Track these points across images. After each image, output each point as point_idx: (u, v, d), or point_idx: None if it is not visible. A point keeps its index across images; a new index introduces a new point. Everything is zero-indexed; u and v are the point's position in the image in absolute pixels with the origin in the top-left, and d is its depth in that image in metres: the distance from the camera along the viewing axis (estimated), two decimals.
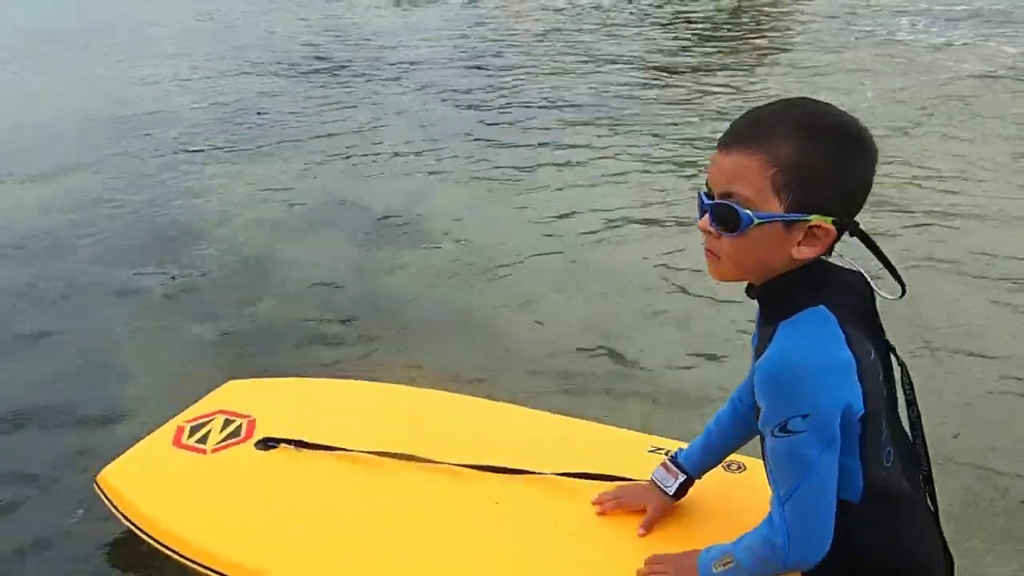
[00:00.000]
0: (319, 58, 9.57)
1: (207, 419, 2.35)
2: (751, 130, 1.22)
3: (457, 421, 2.29)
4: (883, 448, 1.27)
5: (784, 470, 1.25)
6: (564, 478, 1.91)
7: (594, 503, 1.79)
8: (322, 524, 1.94)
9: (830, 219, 1.21)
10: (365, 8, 13.44)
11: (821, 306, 1.22)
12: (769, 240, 1.23)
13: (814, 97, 1.28)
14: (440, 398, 2.43)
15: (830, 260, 1.30)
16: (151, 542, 2.06)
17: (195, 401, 2.46)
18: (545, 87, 7.57)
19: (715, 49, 8.92)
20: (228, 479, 2.15)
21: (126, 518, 2.13)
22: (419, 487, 1.99)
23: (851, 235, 1.25)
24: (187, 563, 1.98)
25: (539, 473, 1.94)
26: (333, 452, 2.12)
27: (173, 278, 4.04)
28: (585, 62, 8.51)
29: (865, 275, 1.30)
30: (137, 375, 3.25)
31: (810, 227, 1.22)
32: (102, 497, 2.21)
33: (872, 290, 1.30)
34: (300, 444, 2.15)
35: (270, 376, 2.70)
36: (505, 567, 1.74)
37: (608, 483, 1.84)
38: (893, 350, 1.31)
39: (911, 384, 1.33)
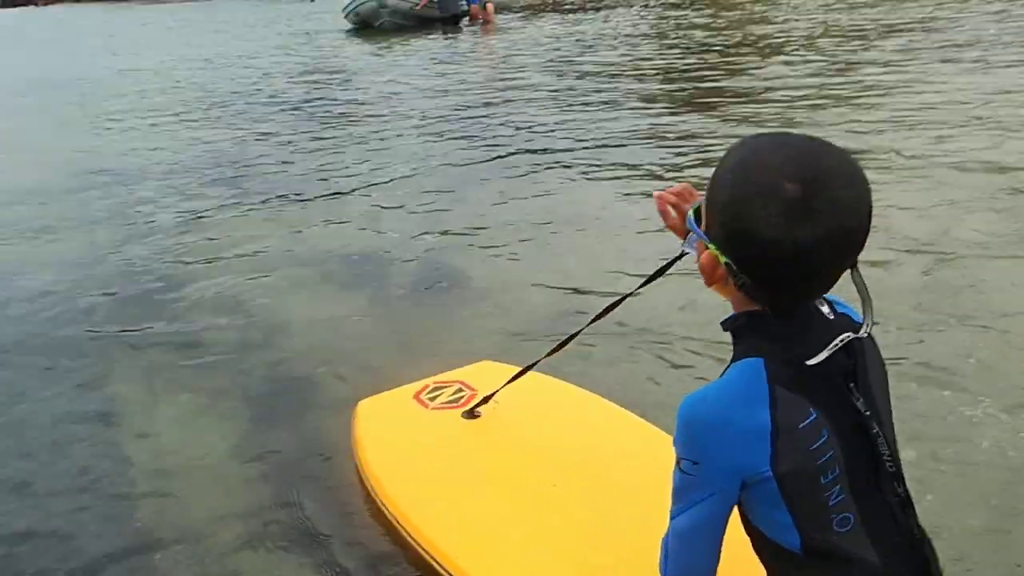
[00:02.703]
0: (305, 101, 9.69)
1: (448, 385, 2.67)
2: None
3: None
4: (832, 513, 1.21)
5: (673, 495, 1.28)
6: None
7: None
8: (479, 492, 2.20)
9: (723, 258, 1.18)
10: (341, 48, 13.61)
11: (759, 359, 1.19)
12: (700, 251, 1.25)
13: (820, 139, 1.17)
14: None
15: (821, 311, 1.25)
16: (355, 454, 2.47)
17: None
18: (545, 122, 7.29)
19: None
20: (428, 432, 2.48)
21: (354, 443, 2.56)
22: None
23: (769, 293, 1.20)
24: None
25: None
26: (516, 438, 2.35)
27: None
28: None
29: (852, 334, 1.21)
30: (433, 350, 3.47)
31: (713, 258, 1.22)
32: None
33: (859, 349, 1.24)
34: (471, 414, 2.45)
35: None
36: None
37: None
38: (867, 418, 1.22)
39: (891, 455, 1.24)
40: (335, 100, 9.91)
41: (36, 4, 47.11)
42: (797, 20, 12.99)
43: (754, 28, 12.62)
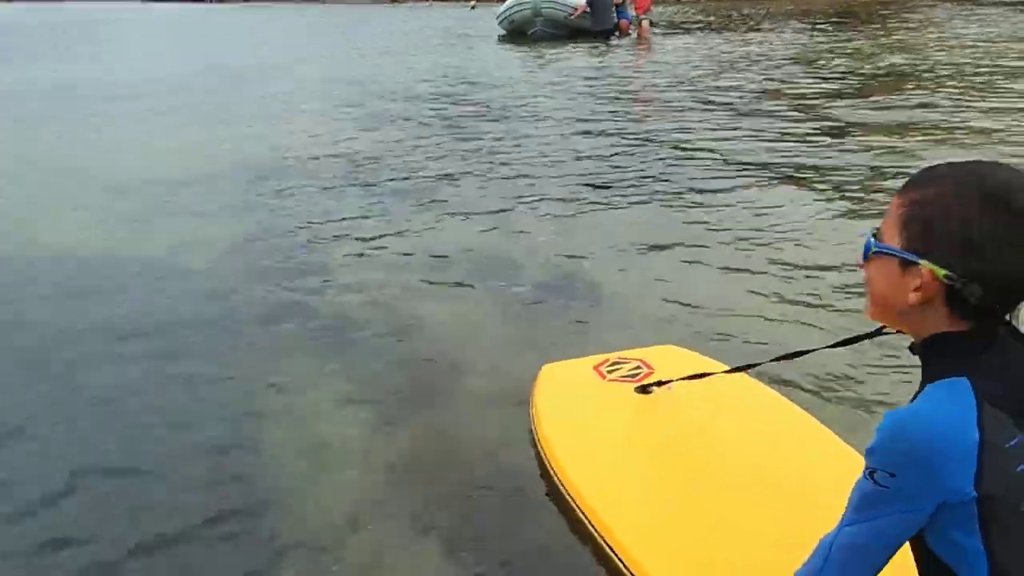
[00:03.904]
0: (451, 104, 9.79)
1: (629, 361, 2.95)
2: (919, 175, 1.27)
3: None
4: None
5: (852, 502, 1.26)
6: None
7: None
8: (638, 464, 2.40)
9: (942, 272, 1.20)
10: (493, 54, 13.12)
11: (963, 378, 1.19)
12: (886, 276, 1.27)
13: (1010, 166, 1.23)
14: None
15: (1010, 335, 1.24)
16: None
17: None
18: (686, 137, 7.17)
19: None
20: (599, 400, 2.75)
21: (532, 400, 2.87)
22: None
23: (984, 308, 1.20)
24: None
25: None
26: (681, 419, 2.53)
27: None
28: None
29: None
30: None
31: (924, 275, 1.22)
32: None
33: None
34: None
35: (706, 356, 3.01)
36: None
37: None
38: None
39: None
40: (482, 105, 10.14)
41: None
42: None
43: (929, 54, 12.37)
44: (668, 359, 2.87)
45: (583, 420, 2.68)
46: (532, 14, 17.85)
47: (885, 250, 1.26)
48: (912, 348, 1.31)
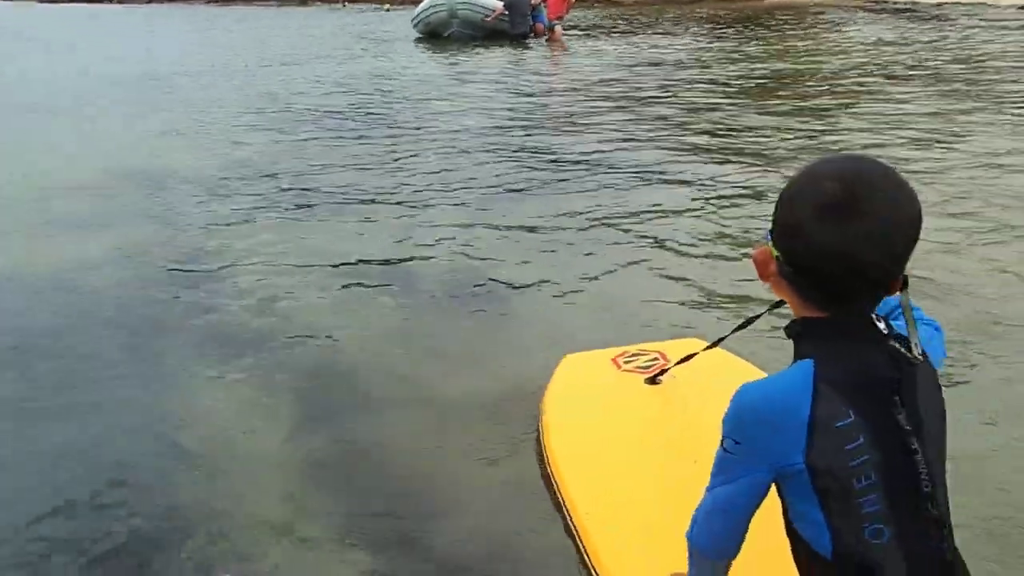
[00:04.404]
0: (361, 106, 9.57)
1: (647, 353, 3.02)
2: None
3: None
4: (865, 521, 1.26)
5: (713, 469, 1.39)
6: None
7: None
8: (626, 451, 2.47)
9: (775, 252, 1.30)
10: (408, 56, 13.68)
11: (810, 360, 1.28)
12: (760, 256, 1.36)
13: (873, 159, 1.29)
14: None
15: (876, 326, 1.31)
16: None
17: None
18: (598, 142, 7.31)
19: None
20: (609, 390, 2.82)
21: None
22: None
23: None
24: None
25: None
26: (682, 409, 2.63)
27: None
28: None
29: (898, 347, 1.29)
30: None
31: (768, 254, 1.33)
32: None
33: (909, 369, 1.29)
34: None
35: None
36: None
37: None
38: (907, 433, 1.27)
39: (928, 475, 1.27)
40: (392, 108, 10.00)
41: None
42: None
43: (826, 59, 12.98)
44: (687, 352, 2.89)
45: (586, 409, 2.77)
46: (448, 16, 17.79)
47: (766, 235, 1.35)
48: (785, 330, 1.40)
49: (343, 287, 4.42)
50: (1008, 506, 2.47)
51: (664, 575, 1.82)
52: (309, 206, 5.97)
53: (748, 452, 1.31)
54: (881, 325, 1.29)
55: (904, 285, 1.29)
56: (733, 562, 1.47)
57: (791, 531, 1.35)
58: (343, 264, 4.77)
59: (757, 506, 1.36)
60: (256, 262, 4.83)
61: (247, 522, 2.54)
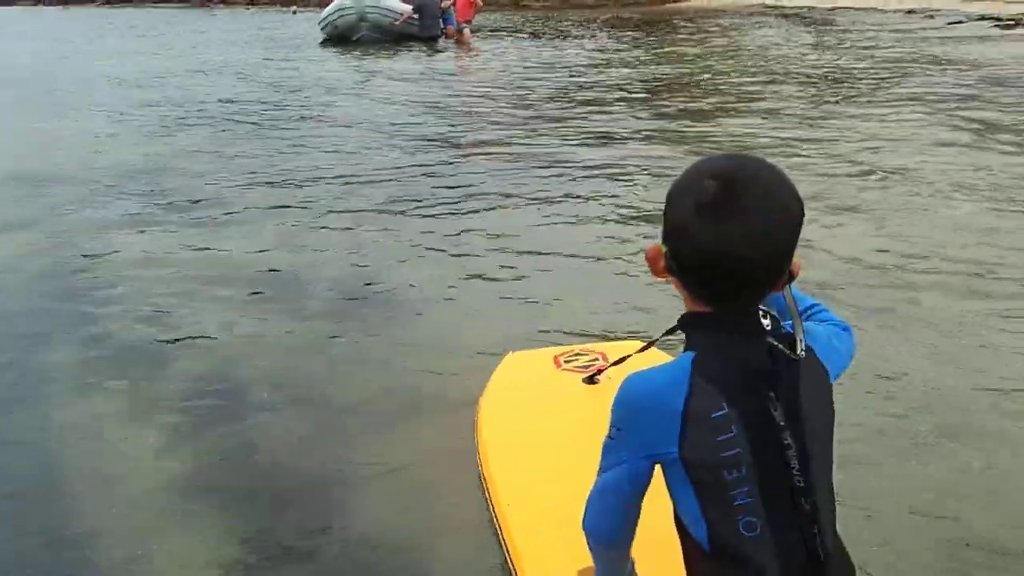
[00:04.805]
0: (256, 116, 9.44)
1: (588, 353, 3.00)
2: None
3: None
4: (739, 513, 1.28)
5: (601, 454, 1.40)
6: None
7: None
8: (553, 449, 2.46)
9: (664, 248, 1.29)
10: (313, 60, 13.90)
11: (692, 353, 1.30)
12: (652, 250, 1.35)
13: (757, 156, 1.33)
14: None
15: (761, 322, 1.31)
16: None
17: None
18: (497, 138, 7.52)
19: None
20: (544, 389, 2.83)
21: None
22: None
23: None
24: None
25: None
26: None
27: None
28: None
29: (777, 343, 1.29)
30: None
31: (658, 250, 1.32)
32: None
33: (790, 365, 1.29)
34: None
35: None
36: None
37: None
38: (781, 428, 1.28)
39: (800, 471, 1.28)
40: (295, 112, 9.87)
41: None
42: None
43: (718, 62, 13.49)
44: (627, 351, 2.91)
45: (521, 406, 2.78)
46: (357, 19, 17.67)
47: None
48: (678, 323, 1.40)
49: (238, 294, 4.35)
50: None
51: (579, 570, 1.81)
52: (198, 212, 5.84)
53: (628, 439, 1.33)
54: (766, 321, 1.30)
55: (790, 280, 1.30)
56: (634, 557, 1.50)
57: (677, 523, 1.37)
58: (239, 270, 4.68)
59: (640, 494, 1.37)
60: (142, 270, 4.73)
61: (128, 532, 2.54)
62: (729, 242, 1.20)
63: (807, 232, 1.30)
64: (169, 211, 5.87)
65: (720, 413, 1.25)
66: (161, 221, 5.64)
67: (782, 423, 1.26)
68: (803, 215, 1.25)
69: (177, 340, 3.85)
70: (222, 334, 3.92)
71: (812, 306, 1.48)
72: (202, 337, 3.88)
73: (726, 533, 1.28)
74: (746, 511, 1.27)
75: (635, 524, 1.42)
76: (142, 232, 5.41)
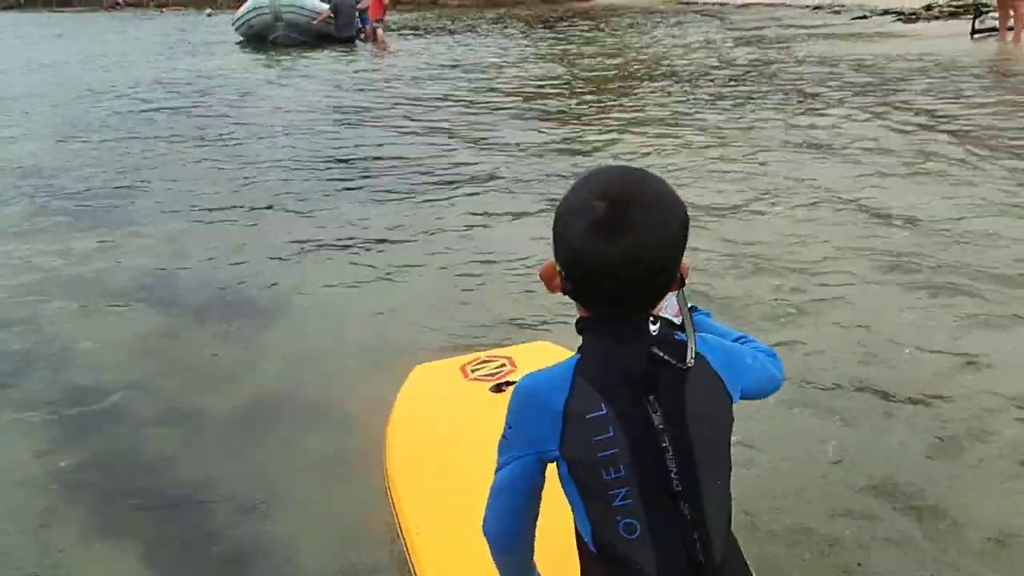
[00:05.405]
0: (160, 118, 9.44)
1: (495, 360, 2.95)
2: None
3: None
4: (618, 515, 1.30)
5: (497, 452, 1.42)
6: None
7: None
8: (456, 461, 2.42)
9: (559, 267, 1.32)
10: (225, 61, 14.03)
11: (578, 355, 1.35)
12: (547, 273, 1.38)
13: (644, 170, 1.34)
14: None
15: (649, 327, 1.32)
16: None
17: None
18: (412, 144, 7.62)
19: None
20: (452, 400, 2.77)
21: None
22: None
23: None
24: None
25: None
26: None
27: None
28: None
29: (658, 351, 1.30)
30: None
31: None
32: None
33: (674, 370, 1.30)
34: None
35: None
36: None
37: None
38: (659, 431, 1.30)
39: (679, 475, 1.30)
40: (203, 115, 9.75)
41: None
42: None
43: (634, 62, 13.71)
44: (536, 355, 2.89)
45: (428, 420, 2.73)
46: (273, 19, 17.34)
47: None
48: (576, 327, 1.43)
49: (91, 304, 4.28)
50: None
51: None
52: (82, 217, 5.73)
53: (518, 437, 1.36)
54: (654, 327, 1.31)
55: (681, 284, 1.34)
56: (535, 562, 1.50)
57: (575, 524, 1.39)
58: (101, 278, 4.62)
59: (534, 494, 1.39)
60: (21, 276, 4.64)
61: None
62: (622, 258, 1.23)
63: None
64: (49, 215, 5.75)
65: (597, 414, 1.28)
66: (42, 227, 5.51)
67: (660, 426, 1.28)
68: (688, 219, 1.29)
69: (49, 348, 3.77)
70: (96, 342, 3.84)
71: (740, 337, 1.51)
72: (74, 346, 3.81)
73: (606, 533, 1.31)
74: (625, 512, 1.29)
75: (533, 529, 1.44)
76: (19, 236, 5.30)
